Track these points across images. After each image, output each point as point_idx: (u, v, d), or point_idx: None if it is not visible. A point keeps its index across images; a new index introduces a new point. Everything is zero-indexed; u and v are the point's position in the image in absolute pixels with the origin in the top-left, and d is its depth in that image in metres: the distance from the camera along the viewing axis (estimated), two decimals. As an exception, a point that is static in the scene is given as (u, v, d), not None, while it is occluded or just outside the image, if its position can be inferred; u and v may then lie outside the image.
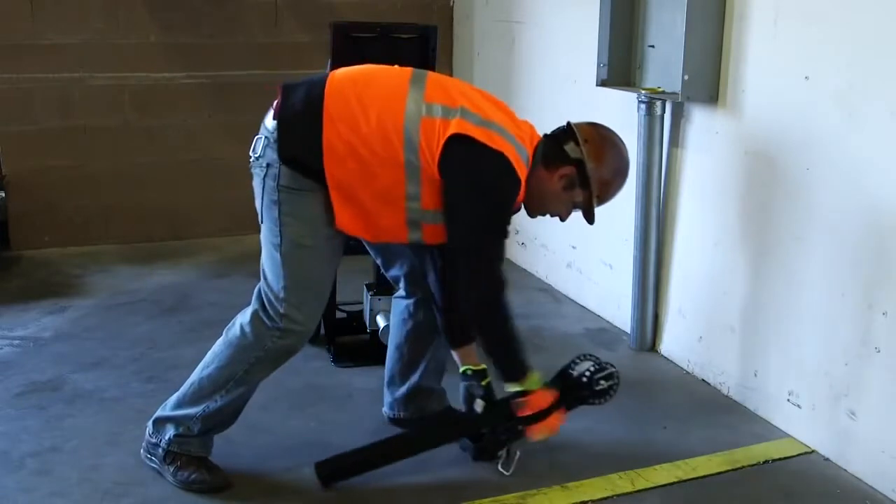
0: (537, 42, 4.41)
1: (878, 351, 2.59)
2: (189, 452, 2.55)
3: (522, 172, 2.44)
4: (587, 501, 2.53)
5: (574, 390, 2.66)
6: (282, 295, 2.45)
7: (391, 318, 2.94)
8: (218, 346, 2.59)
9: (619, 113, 3.67)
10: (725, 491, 2.63)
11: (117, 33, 4.69)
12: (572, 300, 4.19)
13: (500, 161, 2.38)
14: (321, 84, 2.43)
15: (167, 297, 4.08)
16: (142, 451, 2.63)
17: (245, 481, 2.59)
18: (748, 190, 3.08)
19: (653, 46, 3.41)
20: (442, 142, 2.34)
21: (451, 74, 5.34)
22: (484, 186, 2.39)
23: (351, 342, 3.50)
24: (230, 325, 2.58)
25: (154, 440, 2.58)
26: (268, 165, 2.42)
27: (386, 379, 2.94)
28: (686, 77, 3.10)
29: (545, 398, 2.55)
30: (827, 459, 2.78)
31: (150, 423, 2.61)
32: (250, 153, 2.48)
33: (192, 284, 4.29)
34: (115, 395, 3.11)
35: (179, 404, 2.57)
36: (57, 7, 4.56)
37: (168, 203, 4.96)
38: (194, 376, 2.59)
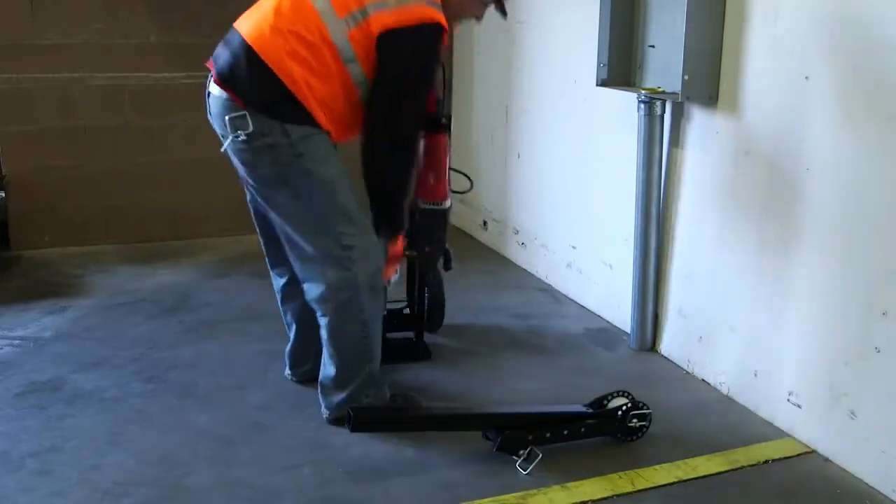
0: (537, 42, 4.41)
1: (878, 351, 2.59)
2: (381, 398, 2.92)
3: (442, 15, 2.69)
4: (587, 501, 2.53)
5: (606, 422, 2.81)
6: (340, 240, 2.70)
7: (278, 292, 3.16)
8: (327, 332, 2.83)
9: (619, 113, 3.67)
10: (725, 491, 2.63)
11: (117, 33, 4.69)
12: (572, 300, 4.19)
13: (428, 30, 2.65)
14: (233, 32, 2.72)
15: (167, 297, 4.08)
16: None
17: (245, 481, 2.59)
18: (748, 190, 3.08)
19: (653, 46, 3.41)
20: (374, 46, 2.60)
21: (451, 74, 5.34)
22: (422, 56, 2.70)
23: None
24: (317, 314, 2.83)
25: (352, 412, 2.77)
26: (262, 134, 2.61)
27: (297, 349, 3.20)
28: (686, 77, 3.09)
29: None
30: (827, 459, 2.78)
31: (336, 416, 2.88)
32: (231, 136, 2.64)
33: (192, 284, 4.29)
34: (115, 395, 3.11)
35: (344, 384, 2.86)
36: (57, 7, 4.56)
37: (168, 203, 4.96)
38: (335, 362, 2.86)
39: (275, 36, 2.60)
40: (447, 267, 3.45)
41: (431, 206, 3.22)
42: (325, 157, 2.70)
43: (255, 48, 2.61)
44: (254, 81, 2.63)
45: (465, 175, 3.51)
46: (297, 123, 2.63)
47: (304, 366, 3.16)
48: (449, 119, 3.25)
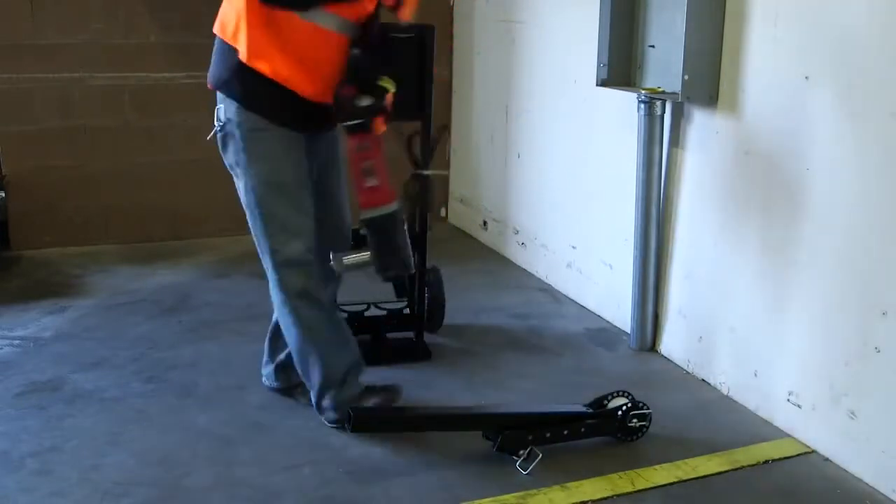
0: (537, 42, 4.41)
1: (878, 351, 2.59)
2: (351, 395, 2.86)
3: None
4: (587, 501, 2.53)
5: (606, 422, 2.80)
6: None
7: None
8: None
9: (619, 113, 3.67)
10: (725, 491, 2.63)
11: (117, 33, 4.69)
12: (572, 300, 4.19)
13: None
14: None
15: (167, 297, 4.08)
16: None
17: (245, 481, 2.59)
18: (748, 190, 3.08)
19: (653, 46, 3.41)
20: None
21: (451, 74, 5.34)
22: None
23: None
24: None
25: (326, 416, 2.90)
26: (226, 122, 2.69)
27: (266, 351, 3.13)
28: (686, 77, 3.09)
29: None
30: (827, 459, 2.78)
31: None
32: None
33: (192, 284, 4.29)
34: (115, 395, 3.11)
35: (311, 382, 2.87)
36: (57, 7, 4.56)
37: (168, 203, 4.96)
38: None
39: (228, 4, 2.66)
40: (405, 274, 2.93)
41: (377, 214, 2.72)
42: (268, 156, 2.67)
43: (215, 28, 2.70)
44: (214, 59, 2.73)
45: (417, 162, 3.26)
46: (254, 110, 2.62)
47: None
48: (378, 96, 2.68)
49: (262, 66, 2.58)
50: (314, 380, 2.86)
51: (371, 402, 2.90)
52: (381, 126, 2.71)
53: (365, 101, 2.65)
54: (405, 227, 2.80)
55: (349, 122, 2.68)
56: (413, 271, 2.92)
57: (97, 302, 4.02)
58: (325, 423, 2.89)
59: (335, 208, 2.94)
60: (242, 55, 2.59)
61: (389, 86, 2.70)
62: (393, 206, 2.72)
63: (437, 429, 2.85)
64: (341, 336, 2.91)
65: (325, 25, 2.60)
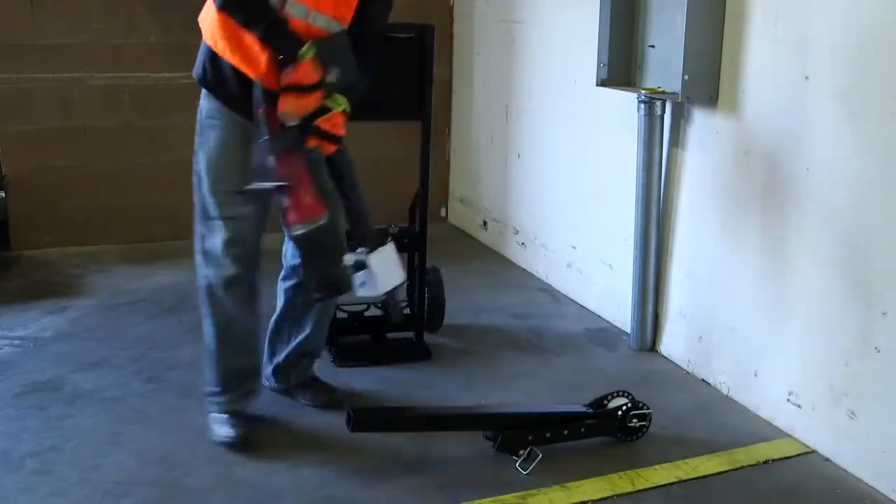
0: (537, 42, 4.41)
1: (878, 351, 2.59)
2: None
3: None
4: (587, 501, 2.53)
5: (606, 422, 2.80)
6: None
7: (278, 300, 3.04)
8: None
9: (619, 113, 3.67)
10: (725, 491, 2.63)
11: (117, 33, 4.69)
12: (572, 300, 4.19)
13: None
14: None
15: (167, 297, 4.08)
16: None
17: (245, 481, 2.59)
18: (748, 190, 3.08)
19: (653, 46, 3.41)
20: None
21: (451, 74, 5.34)
22: None
23: (352, 342, 3.50)
24: None
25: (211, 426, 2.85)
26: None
27: (266, 352, 3.07)
28: (686, 77, 3.10)
29: (310, 74, 2.47)
30: (827, 459, 2.78)
31: None
32: None
33: (192, 284, 4.24)
34: (115, 395, 3.11)
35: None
36: (57, 7, 4.56)
37: (168, 203, 4.94)
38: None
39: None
40: (326, 293, 2.72)
41: (309, 228, 2.52)
42: (214, 143, 2.65)
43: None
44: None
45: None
46: (213, 93, 2.64)
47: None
48: (307, 125, 2.52)
49: (216, 47, 2.59)
50: (208, 378, 2.87)
51: (226, 430, 2.79)
52: (311, 141, 2.54)
53: (292, 121, 2.50)
54: (343, 241, 2.68)
55: (275, 143, 2.49)
56: (350, 291, 2.62)
57: (97, 302, 4.02)
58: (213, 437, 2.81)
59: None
60: (204, 37, 2.62)
61: (336, 105, 2.55)
62: (324, 218, 2.52)
63: (437, 429, 2.85)
64: (245, 345, 2.84)
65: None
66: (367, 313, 3.53)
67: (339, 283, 2.60)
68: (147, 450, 2.74)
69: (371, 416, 2.81)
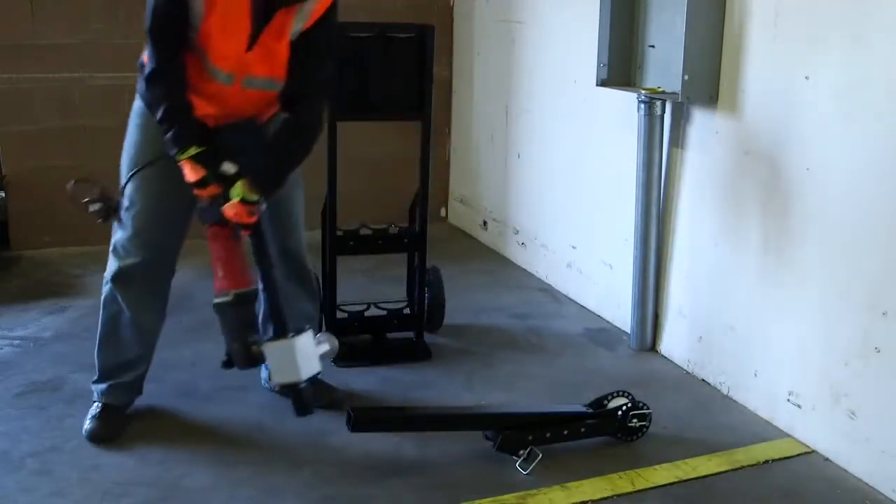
0: (537, 42, 4.41)
1: (878, 351, 2.59)
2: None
3: None
4: (587, 501, 2.53)
5: (606, 422, 2.80)
6: None
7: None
8: None
9: (619, 113, 3.67)
10: (725, 491, 2.63)
11: (117, 33, 4.68)
12: (572, 300, 4.19)
13: None
14: None
15: (167, 297, 4.08)
16: None
17: (245, 481, 2.59)
18: (748, 190, 3.08)
19: (653, 46, 3.41)
20: None
21: (451, 74, 5.34)
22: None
23: (352, 342, 3.50)
24: None
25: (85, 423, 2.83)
26: None
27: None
28: (686, 77, 3.09)
29: (189, 173, 2.59)
30: (827, 459, 2.78)
31: None
32: None
33: (192, 284, 4.27)
34: (115, 395, 3.11)
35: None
36: (57, 7, 4.56)
37: (168, 203, 4.95)
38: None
39: None
40: (252, 366, 2.67)
41: (215, 300, 2.65)
42: (133, 140, 2.90)
43: None
44: None
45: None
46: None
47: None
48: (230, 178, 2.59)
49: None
50: (97, 366, 2.88)
51: (88, 422, 2.81)
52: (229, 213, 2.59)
53: (203, 203, 2.64)
54: (252, 321, 2.68)
55: (201, 214, 2.70)
56: (261, 364, 2.65)
57: (97, 302, 3.97)
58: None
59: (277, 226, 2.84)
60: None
61: (236, 195, 2.55)
62: (230, 296, 2.59)
63: (437, 429, 2.85)
64: (130, 340, 2.85)
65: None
66: (367, 313, 3.53)
67: (238, 360, 2.60)
68: (147, 450, 2.74)
69: (371, 416, 2.81)
